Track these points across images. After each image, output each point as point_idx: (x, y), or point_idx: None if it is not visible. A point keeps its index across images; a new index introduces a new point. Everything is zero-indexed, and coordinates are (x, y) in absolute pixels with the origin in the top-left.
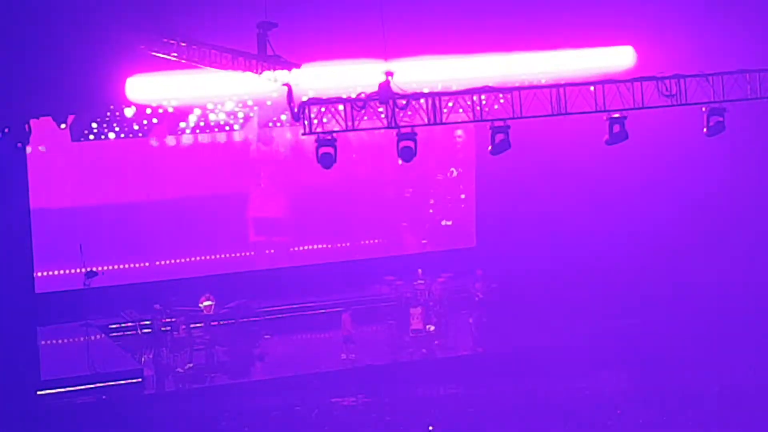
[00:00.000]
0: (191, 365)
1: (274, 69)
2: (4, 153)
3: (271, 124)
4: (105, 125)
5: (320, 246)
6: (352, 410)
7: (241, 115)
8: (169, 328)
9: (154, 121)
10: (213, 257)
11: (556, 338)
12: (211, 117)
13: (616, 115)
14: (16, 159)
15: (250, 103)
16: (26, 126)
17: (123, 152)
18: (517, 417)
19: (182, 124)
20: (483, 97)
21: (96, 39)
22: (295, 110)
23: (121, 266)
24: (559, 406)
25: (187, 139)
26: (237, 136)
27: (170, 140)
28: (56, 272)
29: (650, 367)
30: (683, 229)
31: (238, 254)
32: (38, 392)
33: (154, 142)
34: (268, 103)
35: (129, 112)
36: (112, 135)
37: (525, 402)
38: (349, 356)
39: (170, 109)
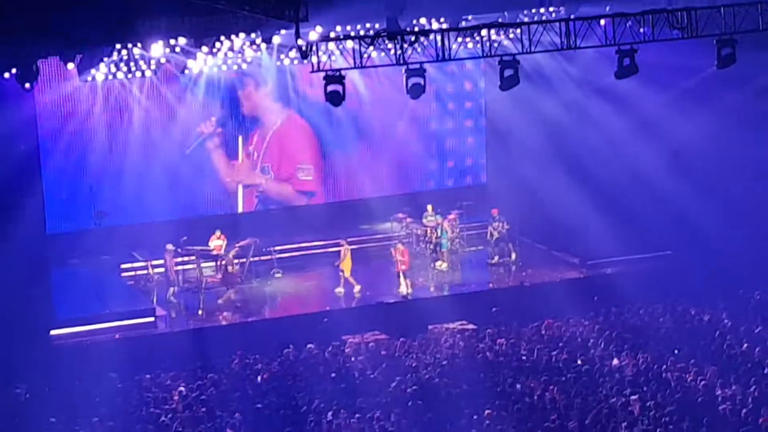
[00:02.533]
0: (202, 311)
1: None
2: (12, 93)
3: (278, 63)
4: (112, 64)
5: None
6: (364, 347)
7: (249, 54)
8: (181, 267)
9: (162, 60)
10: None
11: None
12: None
13: (626, 48)
14: (24, 98)
15: (258, 42)
16: (34, 66)
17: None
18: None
19: (190, 63)
20: (492, 31)
21: None
22: (303, 48)
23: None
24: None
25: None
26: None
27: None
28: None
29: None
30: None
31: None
32: (51, 331)
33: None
34: (276, 41)
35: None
36: (120, 75)
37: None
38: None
39: (177, 49)
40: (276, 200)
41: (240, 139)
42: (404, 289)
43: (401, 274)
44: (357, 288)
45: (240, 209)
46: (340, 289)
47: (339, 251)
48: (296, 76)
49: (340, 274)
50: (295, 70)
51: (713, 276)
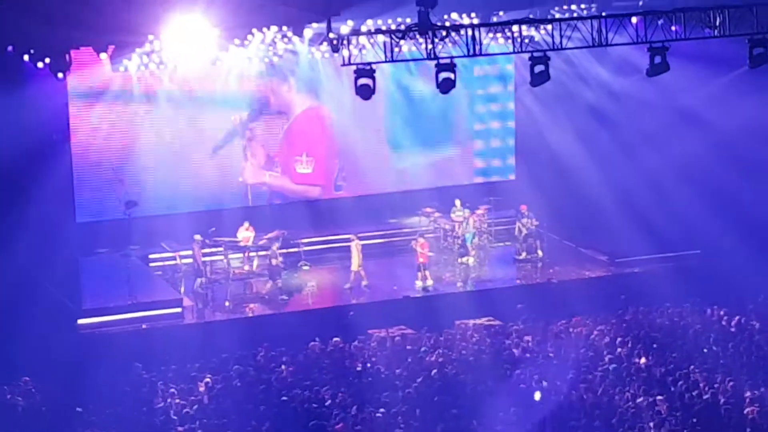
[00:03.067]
0: (228, 303)
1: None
2: (45, 82)
3: (309, 56)
4: (145, 55)
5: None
6: (389, 341)
7: (281, 46)
8: (208, 258)
9: (194, 52)
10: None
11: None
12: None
13: (658, 46)
14: (57, 88)
15: (290, 35)
16: (66, 55)
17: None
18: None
19: (221, 55)
20: (524, 27)
21: None
22: (334, 42)
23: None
24: None
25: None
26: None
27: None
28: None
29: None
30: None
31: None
32: (78, 320)
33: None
34: (308, 33)
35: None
36: (152, 65)
37: None
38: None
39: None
40: (282, 194)
41: (260, 132)
42: (421, 282)
43: (421, 267)
44: (365, 282)
45: (250, 202)
46: (348, 285)
47: (349, 246)
48: (323, 70)
49: (352, 269)
50: (324, 63)
51: (742, 276)
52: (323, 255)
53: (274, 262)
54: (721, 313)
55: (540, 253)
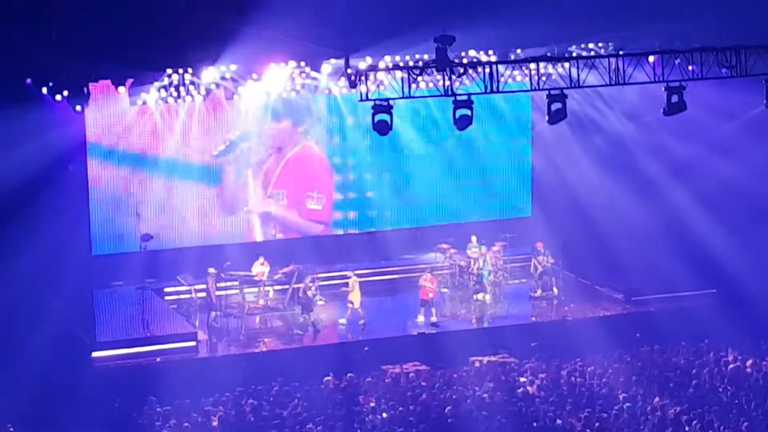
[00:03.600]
0: (243, 337)
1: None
2: (63, 114)
3: (327, 92)
4: (163, 89)
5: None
6: (404, 377)
7: (299, 81)
8: (223, 292)
9: (212, 86)
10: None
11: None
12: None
13: (675, 85)
14: (75, 121)
15: (308, 70)
16: (85, 88)
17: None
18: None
19: (240, 89)
20: (541, 65)
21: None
22: (352, 77)
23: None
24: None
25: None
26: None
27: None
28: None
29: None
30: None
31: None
32: (93, 353)
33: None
34: (326, 69)
35: (207, 76)
36: (170, 99)
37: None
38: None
39: (227, 75)
40: (285, 225)
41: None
42: (423, 318)
43: (427, 303)
44: (362, 321)
45: (259, 237)
46: (343, 320)
47: (348, 282)
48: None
49: (349, 305)
50: (337, 99)
51: (758, 316)
52: (337, 290)
53: (309, 293)
54: (735, 353)
55: (555, 290)
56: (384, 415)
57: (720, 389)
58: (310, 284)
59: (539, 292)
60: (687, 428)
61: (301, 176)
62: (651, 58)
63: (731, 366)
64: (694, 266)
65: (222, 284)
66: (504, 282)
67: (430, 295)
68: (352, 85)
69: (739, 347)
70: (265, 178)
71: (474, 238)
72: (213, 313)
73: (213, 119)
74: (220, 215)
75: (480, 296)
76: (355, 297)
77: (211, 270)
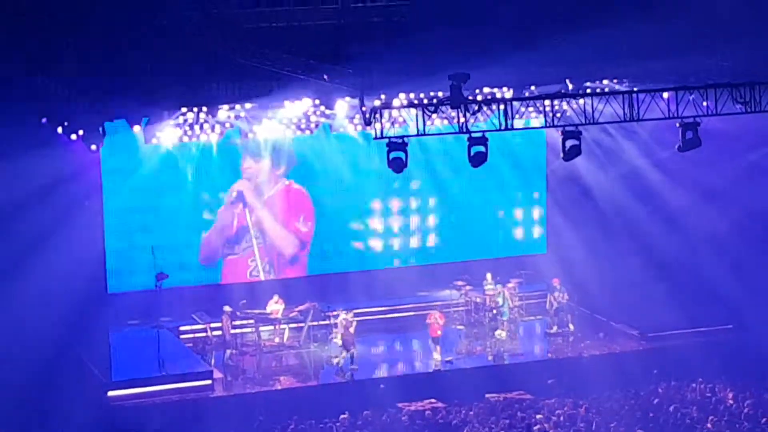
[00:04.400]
0: (259, 375)
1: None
2: (79, 153)
3: (342, 130)
4: (178, 128)
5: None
6: (420, 415)
7: (313, 119)
8: (239, 330)
9: (227, 126)
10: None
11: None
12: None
13: (689, 121)
14: (90, 161)
15: (322, 108)
16: (100, 128)
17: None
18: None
19: (256, 128)
20: (555, 101)
21: (175, 45)
22: (367, 115)
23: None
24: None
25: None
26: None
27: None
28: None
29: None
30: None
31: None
32: (109, 392)
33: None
34: (341, 108)
35: (222, 114)
36: (185, 138)
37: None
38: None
39: (242, 114)
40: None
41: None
42: (437, 355)
43: (437, 340)
44: (335, 359)
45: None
46: (339, 359)
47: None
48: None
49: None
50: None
51: None
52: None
53: (351, 330)
54: (752, 389)
55: (571, 327)
56: None
57: (737, 426)
58: (352, 320)
59: (555, 328)
60: None
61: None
62: (665, 94)
63: (748, 402)
64: (710, 302)
65: (237, 322)
66: (520, 319)
67: (439, 332)
68: (367, 122)
69: (757, 384)
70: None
71: (489, 275)
72: (228, 351)
73: (227, 157)
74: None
75: (496, 333)
76: (339, 334)
77: (227, 308)
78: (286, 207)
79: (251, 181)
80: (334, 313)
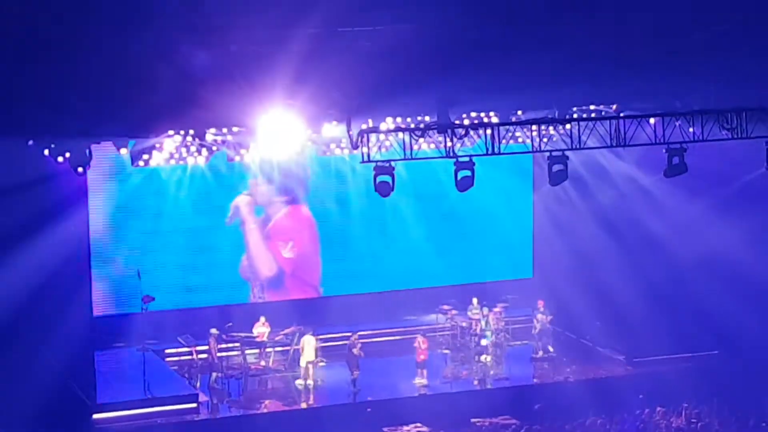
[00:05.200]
0: (244, 399)
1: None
2: (65, 177)
3: (329, 154)
4: (165, 150)
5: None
6: None
7: (300, 143)
8: (224, 353)
9: (214, 148)
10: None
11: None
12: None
13: (676, 147)
14: (76, 183)
15: (308, 132)
16: (87, 150)
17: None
18: None
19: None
20: (542, 127)
21: (165, 65)
22: (354, 139)
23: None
24: None
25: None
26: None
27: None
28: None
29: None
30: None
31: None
32: (94, 415)
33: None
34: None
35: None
36: (172, 161)
37: None
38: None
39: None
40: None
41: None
42: (420, 380)
43: (420, 364)
44: (301, 381)
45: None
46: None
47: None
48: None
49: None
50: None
51: (759, 378)
52: (338, 351)
53: (355, 351)
54: (738, 414)
55: (551, 349)
56: None
57: None
58: (357, 342)
59: (540, 353)
60: None
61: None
62: (652, 120)
63: (733, 427)
64: (696, 327)
65: (223, 345)
66: (506, 343)
67: (422, 357)
68: (354, 146)
69: (743, 408)
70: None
71: (475, 300)
72: (214, 374)
73: (213, 180)
74: (228, 274)
75: (482, 358)
76: (305, 356)
77: (213, 331)
78: (278, 229)
79: (252, 198)
80: (287, 331)
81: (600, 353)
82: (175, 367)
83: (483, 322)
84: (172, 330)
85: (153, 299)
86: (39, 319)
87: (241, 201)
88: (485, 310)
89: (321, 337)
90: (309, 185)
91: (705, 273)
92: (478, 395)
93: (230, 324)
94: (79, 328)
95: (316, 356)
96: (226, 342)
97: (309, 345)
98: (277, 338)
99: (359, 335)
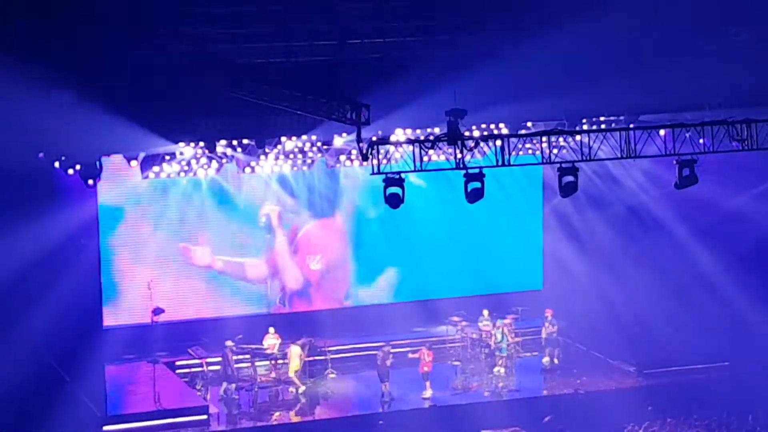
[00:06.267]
0: (254, 410)
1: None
2: (76, 188)
3: (339, 166)
4: (174, 162)
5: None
6: None
7: (310, 155)
8: (235, 365)
9: (224, 161)
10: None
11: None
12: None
13: (686, 158)
14: (87, 195)
15: (319, 144)
16: (97, 162)
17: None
18: None
19: (253, 164)
20: (552, 138)
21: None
22: (364, 150)
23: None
24: None
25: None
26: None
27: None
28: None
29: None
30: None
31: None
32: (104, 427)
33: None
34: (337, 143)
35: (219, 149)
36: (182, 173)
37: None
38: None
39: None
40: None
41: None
42: (425, 392)
43: (425, 376)
44: (292, 389)
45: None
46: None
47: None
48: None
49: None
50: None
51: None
52: (348, 363)
53: (388, 363)
54: (750, 427)
55: (556, 360)
56: None
57: None
58: (389, 353)
59: (547, 359)
60: None
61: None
62: (662, 132)
63: None
64: (707, 339)
65: (235, 357)
66: (516, 355)
67: (425, 368)
68: (364, 158)
69: (754, 421)
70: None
71: (486, 312)
72: (232, 385)
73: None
74: (238, 286)
75: (495, 370)
76: (291, 366)
77: (229, 343)
78: (307, 241)
79: (282, 208)
80: (297, 343)
81: (610, 364)
82: (186, 379)
83: (498, 334)
84: (182, 342)
85: (163, 311)
86: (49, 331)
87: (271, 210)
88: (498, 322)
89: (331, 348)
90: (337, 197)
91: (716, 284)
92: (488, 407)
93: (240, 336)
94: (89, 339)
95: (301, 366)
96: (237, 354)
97: (295, 355)
98: (287, 350)
99: (390, 346)
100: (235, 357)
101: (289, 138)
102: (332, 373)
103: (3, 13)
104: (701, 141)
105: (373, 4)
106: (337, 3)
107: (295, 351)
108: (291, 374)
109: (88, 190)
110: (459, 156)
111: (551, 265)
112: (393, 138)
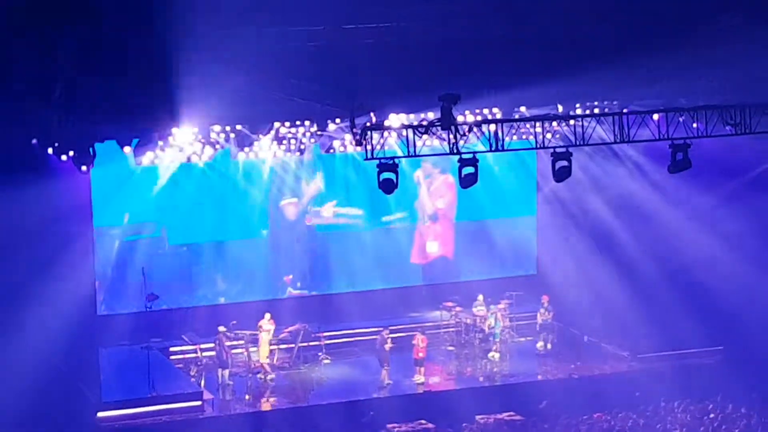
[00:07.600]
0: (249, 396)
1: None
2: (69, 175)
3: (332, 151)
4: (168, 148)
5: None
6: None
7: (304, 140)
8: (229, 351)
9: (218, 147)
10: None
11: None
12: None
13: (679, 143)
14: (80, 181)
15: (313, 129)
16: (90, 149)
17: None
18: None
19: (245, 148)
20: (546, 124)
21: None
22: (357, 135)
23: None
24: None
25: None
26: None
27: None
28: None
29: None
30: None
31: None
32: (98, 413)
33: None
34: (331, 128)
35: (213, 135)
36: (176, 159)
37: None
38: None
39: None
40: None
41: None
42: (419, 377)
43: (419, 362)
44: (263, 375)
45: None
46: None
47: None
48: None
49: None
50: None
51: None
52: (342, 348)
53: (387, 347)
54: (742, 410)
55: (549, 346)
56: None
57: None
58: (388, 337)
59: (541, 344)
60: None
61: None
62: (655, 116)
63: (740, 423)
64: (701, 323)
65: (228, 343)
66: (510, 339)
67: (420, 354)
68: (358, 143)
69: (747, 406)
70: None
71: (480, 297)
72: (227, 371)
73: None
74: (233, 271)
75: (490, 355)
76: (262, 352)
77: (221, 328)
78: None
79: (300, 200)
80: (291, 328)
81: (604, 349)
82: (180, 365)
83: (492, 319)
84: (176, 328)
85: (157, 297)
86: (43, 318)
87: (291, 202)
88: (492, 307)
89: (325, 334)
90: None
91: (709, 269)
92: (482, 392)
93: (234, 322)
94: (83, 326)
95: (269, 353)
96: (231, 340)
97: (265, 342)
98: (281, 336)
99: (389, 330)
100: (228, 343)
101: (282, 124)
102: (326, 358)
103: None
104: (695, 125)
105: None
106: None
107: (264, 338)
108: (262, 360)
109: (82, 176)
110: (453, 141)
111: (545, 250)
112: (387, 123)
